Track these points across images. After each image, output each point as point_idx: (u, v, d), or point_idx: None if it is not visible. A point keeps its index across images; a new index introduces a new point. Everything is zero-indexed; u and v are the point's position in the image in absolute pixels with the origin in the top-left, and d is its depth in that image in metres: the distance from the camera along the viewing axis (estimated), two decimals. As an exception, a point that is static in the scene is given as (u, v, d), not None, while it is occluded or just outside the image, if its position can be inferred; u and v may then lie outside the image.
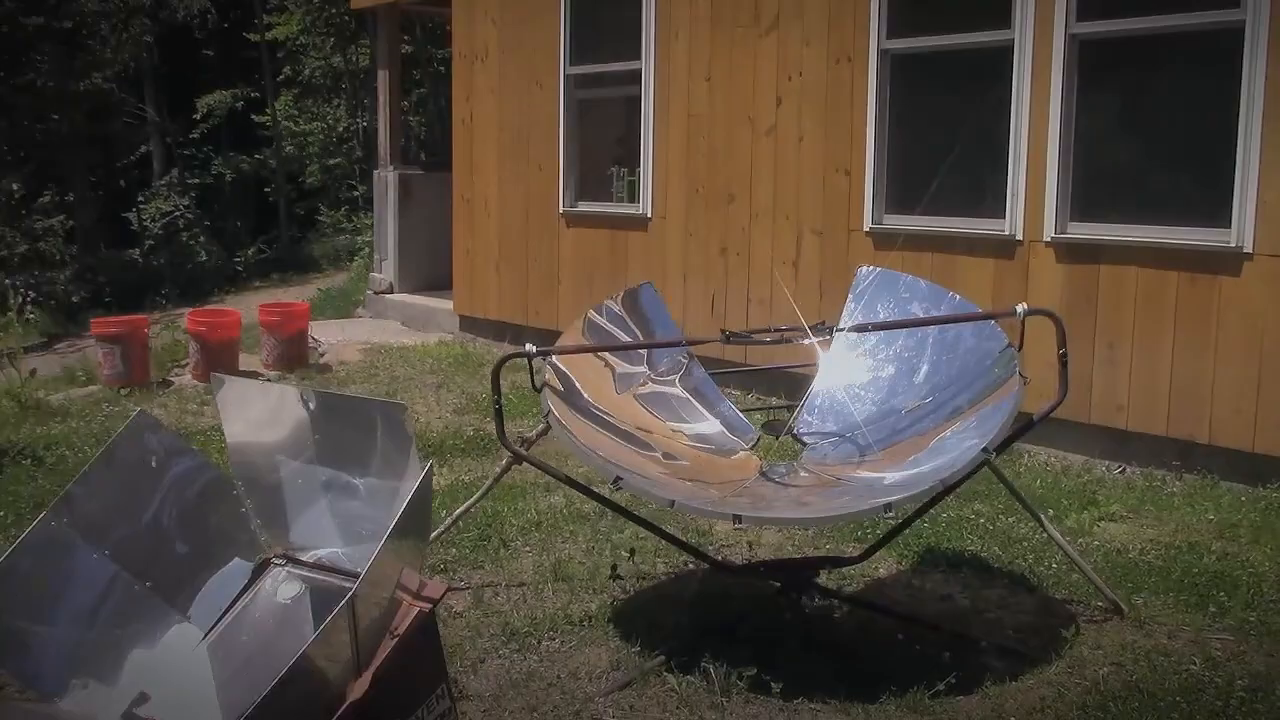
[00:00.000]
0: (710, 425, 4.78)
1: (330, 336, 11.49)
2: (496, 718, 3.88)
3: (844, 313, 5.07)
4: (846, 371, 4.90)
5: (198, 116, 24.13)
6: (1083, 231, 6.86)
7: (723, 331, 4.29)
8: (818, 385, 4.93)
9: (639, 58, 9.42)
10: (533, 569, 5.18)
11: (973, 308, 4.79)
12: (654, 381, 4.83)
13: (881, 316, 4.91)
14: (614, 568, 4.83)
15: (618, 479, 3.96)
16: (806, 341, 4.35)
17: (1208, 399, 6.40)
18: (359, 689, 3.05)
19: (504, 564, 5.27)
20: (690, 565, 5.06)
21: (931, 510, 5.65)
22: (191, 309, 13.28)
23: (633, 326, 4.92)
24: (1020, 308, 4.28)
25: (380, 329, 12.19)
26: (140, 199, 22.92)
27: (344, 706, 3.02)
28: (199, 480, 3.56)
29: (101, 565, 3.31)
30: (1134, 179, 6.93)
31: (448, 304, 11.96)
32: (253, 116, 24.25)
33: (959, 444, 4.09)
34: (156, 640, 3.36)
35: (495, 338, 11.28)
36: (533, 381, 4.46)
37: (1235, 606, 4.71)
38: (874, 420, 4.66)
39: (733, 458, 4.61)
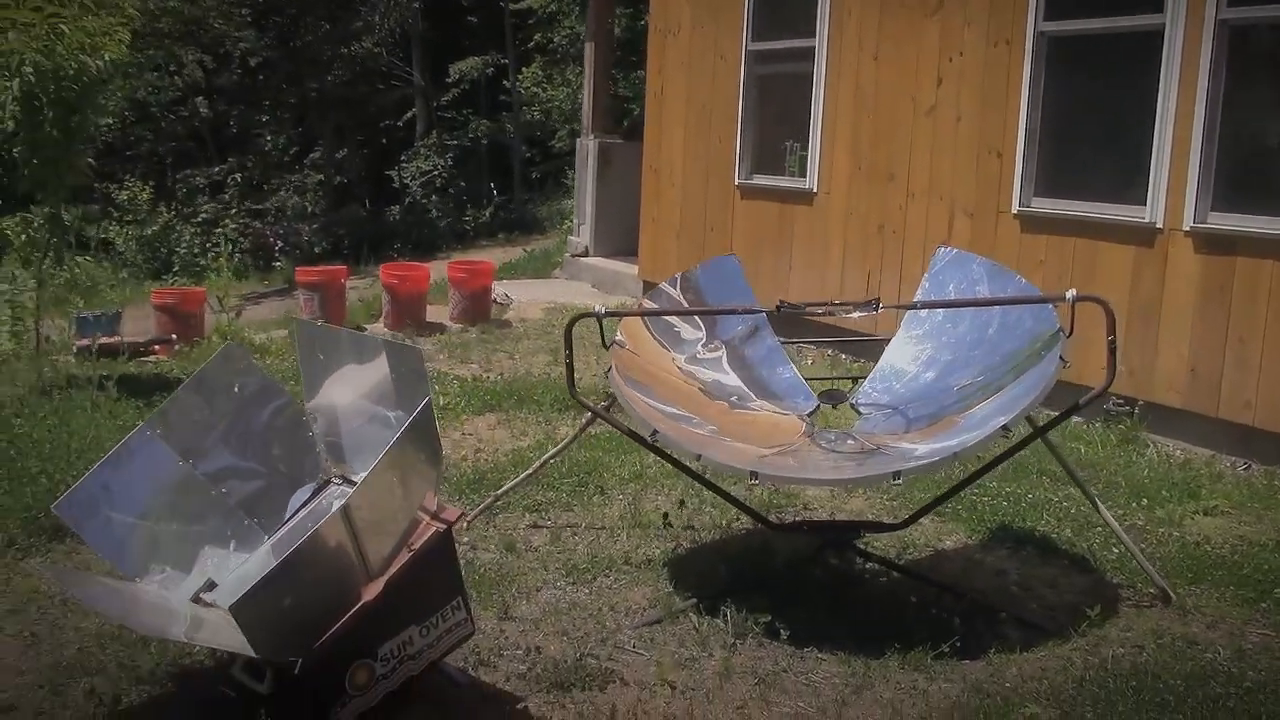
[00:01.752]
0: (773, 390, 5.06)
1: (521, 294, 12.18)
2: (530, 637, 4.31)
3: (919, 290, 5.25)
4: (912, 348, 5.08)
5: (449, 81, 25.40)
6: (1222, 222, 6.72)
7: (779, 304, 4.56)
8: (883, 360, 5.14)
9: (813, 35, 9.60)
10: (617, 515, 5.60)
11: (1035, 292, 4.88)
12: (724, 347, 5.15)
13: (951, 295, 5.08)
14: (665, 515, 5.20)
15: (655, 432, 4.32)
16: (856, 315, 4.57)
17: (1336, 399, 6.22)
18: (371, 592, 3.56)
19: (594, 509, 5.70)
20: (746, 522, 5.36)
21: (1016, 490, 5.82)
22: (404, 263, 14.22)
23: (708, 295, 5.24)
24: (1070, 293, 4.38)
25: (570, 290, 12.80)
26: (403, 158, 24.26)
27: (358, 604, 3.53)
28: (277, 409, 4.12)
29: (185, 472, 3.91)
30: (1277, 170, 6.74)
31: (634, 269, 12.45)
32: (504, 82, 25.35)
33: (984, 421, 4.26)
34: (228, 539, 3.94)
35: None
36: (603, 340, 4.86)
37: (1290, 605, 4.68)
38: (927, 395, 4.85)
39: (788, 422, 4.88)
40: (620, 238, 13.44)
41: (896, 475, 4.00)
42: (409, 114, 25.51)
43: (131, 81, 22.22)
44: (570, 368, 4.76)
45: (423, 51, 25.54)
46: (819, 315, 4.65)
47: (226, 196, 21.64)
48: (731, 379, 5.04)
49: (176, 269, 19.25)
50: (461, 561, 4.89)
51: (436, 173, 23.19)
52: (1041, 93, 7.74)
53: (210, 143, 23.90)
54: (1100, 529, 5.49)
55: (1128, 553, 5.08)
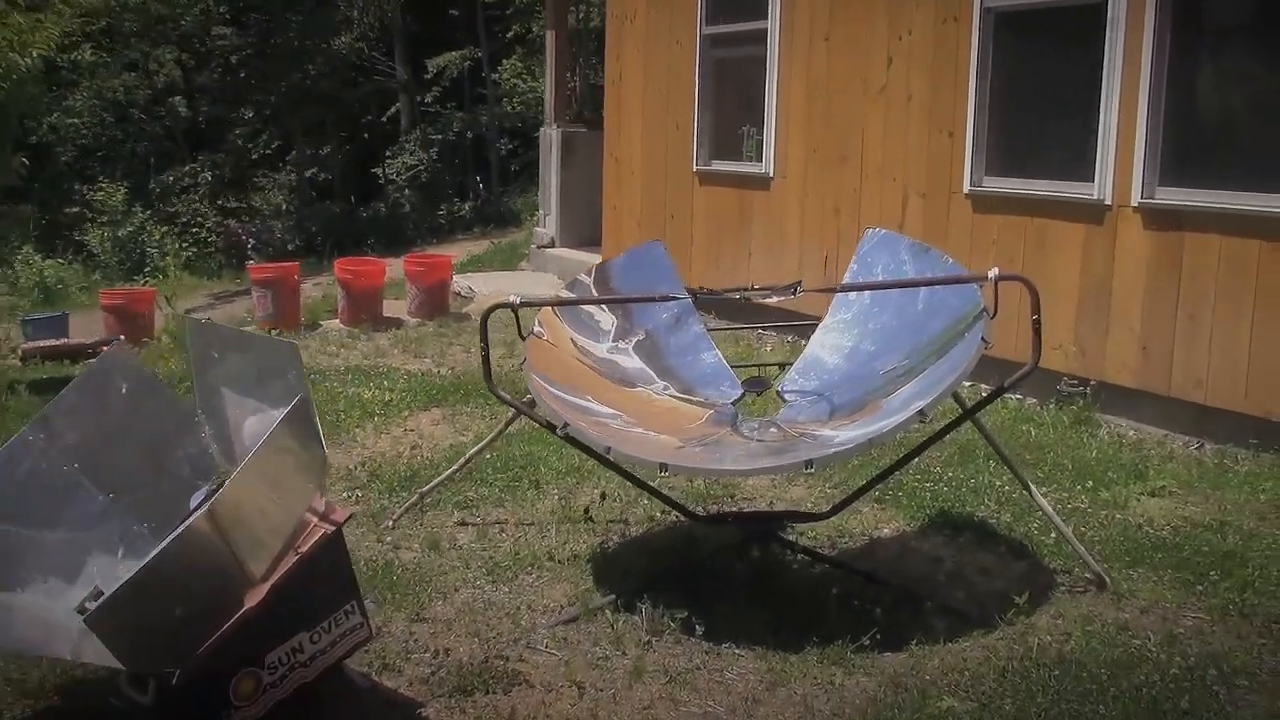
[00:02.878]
0: (698, 379, 4.94)
1: (484, 287, 12.04)
2: (441, 639, 4.19)
3: (846, 273, 5.12)
4: (839, 332, 4.96)
5: (428, 77, 25.15)
6: (1169, 197, 6.59)
7: (695, 289, 4.44)
8: (810, 345, 5.01)
9: (765, 17, 9.46)
10: (549, 510, 5.47)
11: (962, 272, 4.75)
12: (647, 335, 5.02)
13: (878, 277, 4.95)
14: (586, 510, 5.07)
15: (565, 425, 4.19)
16: (774, 300, 4.44)
17: (1285, 375, 6.10)
18: (254, 598, 3.43)
19: (526, 504, 5.57)
20: (677, 515, 5.24)
21: (959, 475, 5.70)
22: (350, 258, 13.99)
23: (631, 283, 5.11)
24: (992, 272, 4.25)
25: (535, 281, 12.67)
26: (388, 154, 23.98)
27: (240, 611, 3.41)
28: (167, 410, 3.99)
29: (71, 477, 3.77)
30: (1223, 143, 6.62)
31: (599, 259, 12.32)
32: (491, 75, 25.06)
33: (905, 405, 4.13)
34: (117, 546, 3.81)
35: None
36: (519, 331, 4.73)
37: (1227, 587, 4.56)
38: (852, 380, 4.72)
39: (710, 411, 4.76)
40: (586, 228, 13.30)
41: (809, 464, 3.88)
42: (392, 109, 25.33)
43: (98, 82, 22.19)
44: (487, 361, 4.62)
45: (405, 46, 25.34)
46: (737, 299, 4.52)
47: (196, 196, 21.44)
48: (653, 368, 4.92)
49: (148, 269, 19.09)
50: (381, 561, 4.79)
51: (421, 168, 23.00)
52: (990, 70, 7.60)
53: (182, 142, 23.69)
54: (1041, 514, 5.36)
55: (1065, 538, 4.97)
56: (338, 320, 10.30)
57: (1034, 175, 7.40)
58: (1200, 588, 4.58)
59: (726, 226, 10.12)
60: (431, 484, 5.41)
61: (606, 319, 4.97)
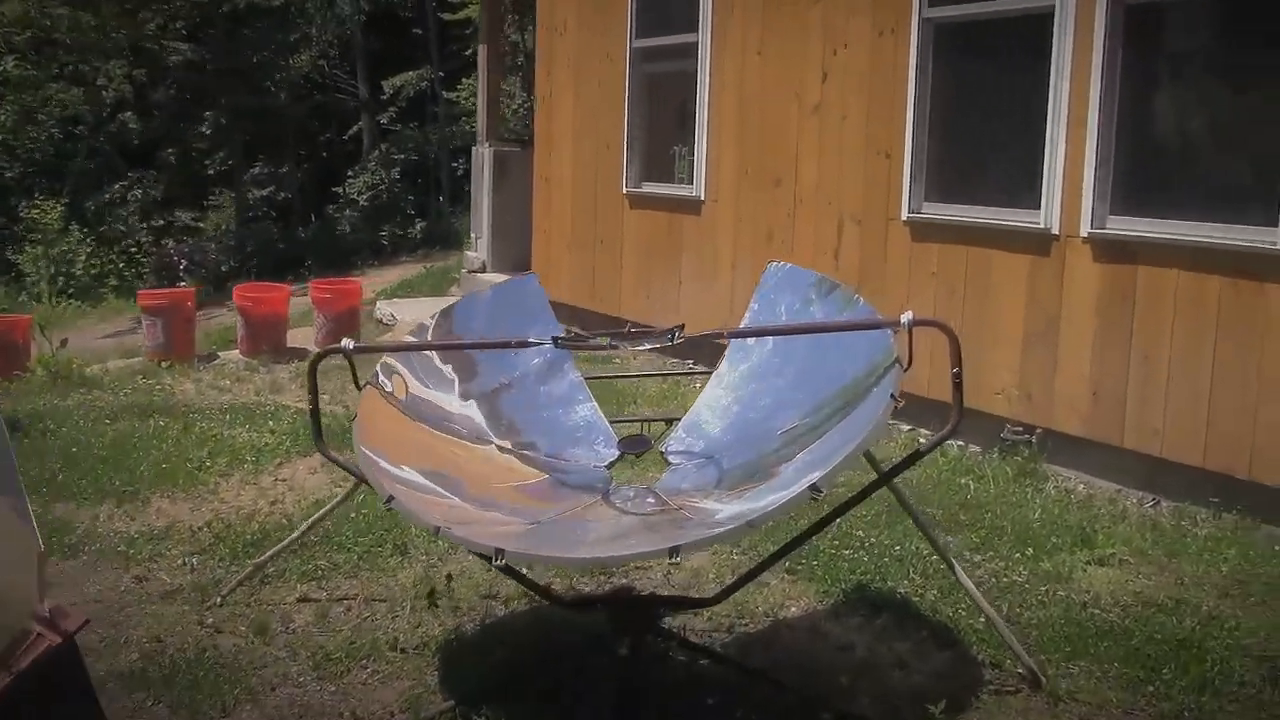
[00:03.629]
0: (569, 436, 4.23)
1: (408, 314, 11.31)
2: (235, 759, 3.46)
3: (746, 314, 4.44)
4: (734, 384, 4.27)
5: (384, 98, 24.35)
6: (1122, 227, 5.96)
7: (554, 338, 3.73)
8: (702, 397, 4.32)
9: (695, 29, 8.82)
10: (410, 583, 4.74)
11: (875, 314, 4.07)
12: (512, 386, 4.32)
13: (782, 317, 4.27)
14: (431, 593, 4.34)
15: (389, 498, 3.48)
16: (646, 348, 3.74)
17: (1250, 427, 5.44)
18: (-55, 732, 2.70)
19: (385, 574, 4.85)
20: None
21: (885, 540, 5.03)
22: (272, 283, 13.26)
23: (500, 323, 4.41)
24: (905, 317, 3.57)
25: (463, 309, 11.94)
26: (350, 173, 23.20)
27: (-74, 751, 2.67)
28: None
29: None
30: (1180, 168, 5.99)
31: (529, 285, 11.61)
32: (442, 94, 24.30)
33: (798, 476, 3.43)
34: None
35: (567, 321, 10.84)
36: (355, 380, 4.02)
37: (1184, 686, 3.88)
38: (746, 440, 4.03)
39: (579, 477, 4.05)
40: (519, 252, 12.55)
41: (674, 551, 3.16)
42: (355, 128, 24.57)
43: (24, 96, 21.34)
44: (316, 416, 3.90)
45: (366, 64, 24.61)
46: (605, 350, 3.82)
47: (127, 213, 20.59)
48: (516, 424, 4.21)
49: (71, 292, 18.26)
50: (194, 650, 4.08)
51: (383, 187, 22.24)
52: (930, 87, 6.96)
53: (122, 160, 22.80)
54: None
55: (995, 626, 4.28)
56: (237, 350, 9.54)
57: (977, 201, 6.76)
58: (1151, 687, 3.90)
59: (657, 253, 9.44)
60: (266, 554, 4.68)
61: (458, 367, 4.26)
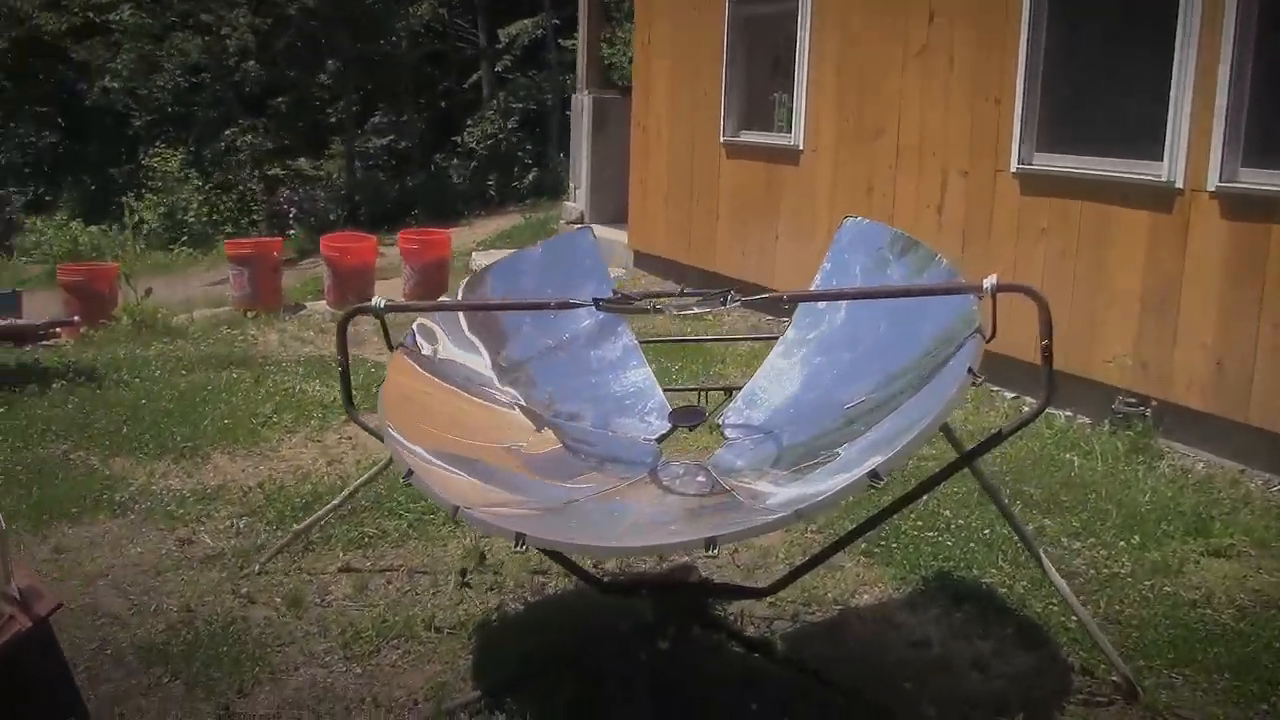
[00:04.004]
0: (619, 405, 3.89)
1: (502, 267, 11.06)
2: (239, 747, 3.23)
3: (818, 273, 4.03)
4: (801, 351, 3.88)
5: (499, 46, 24.10)
6: (1255, 180, 5.37)
7: (595, 300, 3.38)
8: (767, 364, 3.94)
9: (797, -31, 8.33)
10: (459, 555, 4.46)
11: (956, 276, 3.62)
12: (561, 349, 3.99)
13: (857, 279, 3.86)
14: (463, 573, 4.03)
15: (409, 473, 3.18)
16: (698, 311, 3.37)
17: (1394, 407, 4.87)
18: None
19: (433, 544, 4.58)
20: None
21: (972, 523, 4.63)
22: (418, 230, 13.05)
23: (548, 281, 4.08)
24: (988, 281, 3.14)
25: (558, 261, 11.64)
26: (469, 122, 23.09)
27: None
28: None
29: None
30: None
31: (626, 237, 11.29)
32: (558, 41, 23.93)
33: (860, 458, 3.04)
34: None
35: (663, 275, 10.53)
36: (387, 341, 3.73)
37: (1305, 704, 3.42)
38: (810, 415, 3.64)
39: (625, 450, 3.71)
40: (618, 204, 12.21)
41: (710, 544, 2.81)
42: (474, 76, 24.37)
43: (142, 44, 21.57)
44: (346, 378, 3.63)
45: (485, 12, 24.33)
46: (649, 311, 3.44)
47: (239, 161, 20.70)
48: (561, 391, 3.88)
49: (184, 239, 18.48)
50: (222, 622, 3.86)
51: (501, 135, 22.05)
52: (1044, 27, 6.40)
53: (243, 109, 22.94)
54: (1069, 581, 4.23)
55: (1099, 620, 3.84)
56: (324, 302, 9.40)
57: (1093, 152, 6.20)
58: (1266, 705, 3.44)
59: (753, 206, 9.01)
60: (307, 521, 4.44)
61: (500, 328, 3.94)
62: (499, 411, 3.70)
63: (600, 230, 12.10)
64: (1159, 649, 3.76)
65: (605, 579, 3.82)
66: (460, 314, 3.92)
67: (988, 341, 3.21)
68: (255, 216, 20.12)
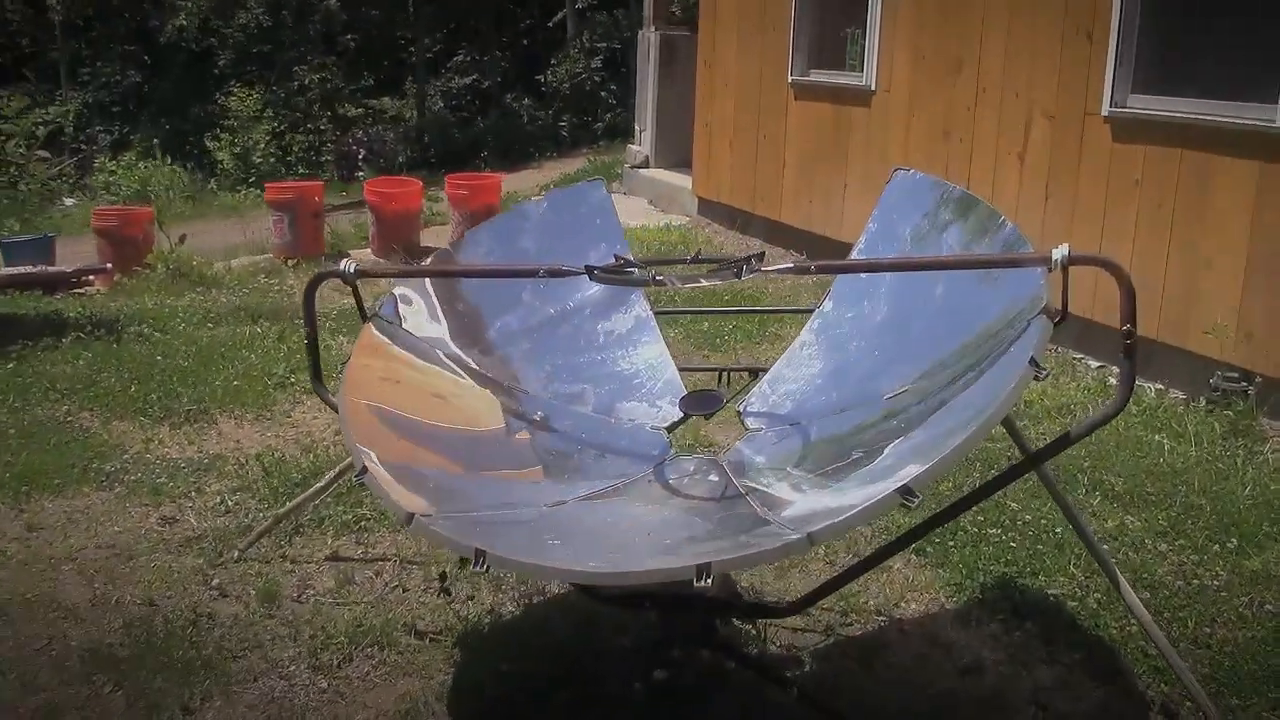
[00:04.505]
0: (625, 386, 3.38)
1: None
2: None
3: (862, 235, 3.47)
4: (838, 329, 3.33)
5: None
6: (1387, 127, 4.67)
7: (588, 268, 2.86)
8: (797, 344, 3.40)
9: (872, -110, 7.64)
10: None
11: (1023, 242, 3.03)
12: (563, 320, 3.48)
13: (905, 241, 3.29)
14: (442, 577, 3.55)
15: (362, 470, 2.71)
16: (708, 284, 2.83)
17: None
18: None
19: (434, 530, 4.13)
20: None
21: (1042, 518, 4.07)
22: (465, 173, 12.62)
23: (555, 238, 3.57)
24: (1058, 252, 2.57)
25: (623, 207, 11.00)
26: (553, 61, 22.57)
27: None
28: None
29: None
30: None
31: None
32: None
33: (899, 464, 2.51)
34: None
35: (727, 224, 9.96)
36: (361, 310, 3.26)
37: None
38: (844, 405, 3.10)
39: (628, 442, 3.21)
40: (686, 146, 11.63)
41: (703, 572, 2.30)
42: (559, 15, 23.75)
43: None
44: (314, 348, 3.17)
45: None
46: (649, 284, 2.90)
47: (310, 98, 20.35)
48: (561, 370, 3.38)
49: (252, 180, 18.21)
50: (182, 619, 3.47)
51: (583, 75, 21.47)
52: (1145, -51, 5.69)
53: (319, 46, 22.57)
54: (1150, 595, 3.67)
55: (1168, 659, 3.27)
56: (369, 250, 8.99)
57: (1196, 94, 5.50)
58: (1385, 764, 2.86)
59: (822, 151, 8.39)
60: (289, 505, 4.01)
61: (492, 296, 3.44)
62: (483, 395, 3.21)
63: (665, 175, 11.58)
64: (1255, 684, 3.19)
65: (601, 591, 3.32)
66: (449, 281, 3.43)
67: (1058, 323, 2.65)
68: (325, 157, 19.83)
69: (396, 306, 3.34)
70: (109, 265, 7.94)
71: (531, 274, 3.00)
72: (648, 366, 3.41)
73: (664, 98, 11.68)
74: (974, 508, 4.06)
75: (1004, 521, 4.14)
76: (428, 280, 3.42)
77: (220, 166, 19.44)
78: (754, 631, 3.38)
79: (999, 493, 4.15)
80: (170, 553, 4.01)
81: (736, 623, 3.33)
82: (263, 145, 18.53)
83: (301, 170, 19.02)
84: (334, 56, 21.41)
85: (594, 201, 3.70)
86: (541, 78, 21.67)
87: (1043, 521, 4.13)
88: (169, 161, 18.46)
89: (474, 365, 3.29)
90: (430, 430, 3.00)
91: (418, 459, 2.87)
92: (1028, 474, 4.03)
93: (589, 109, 20.86)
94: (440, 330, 3.30)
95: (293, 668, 3.29)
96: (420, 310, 3.35)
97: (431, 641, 3.41)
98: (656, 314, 3.54)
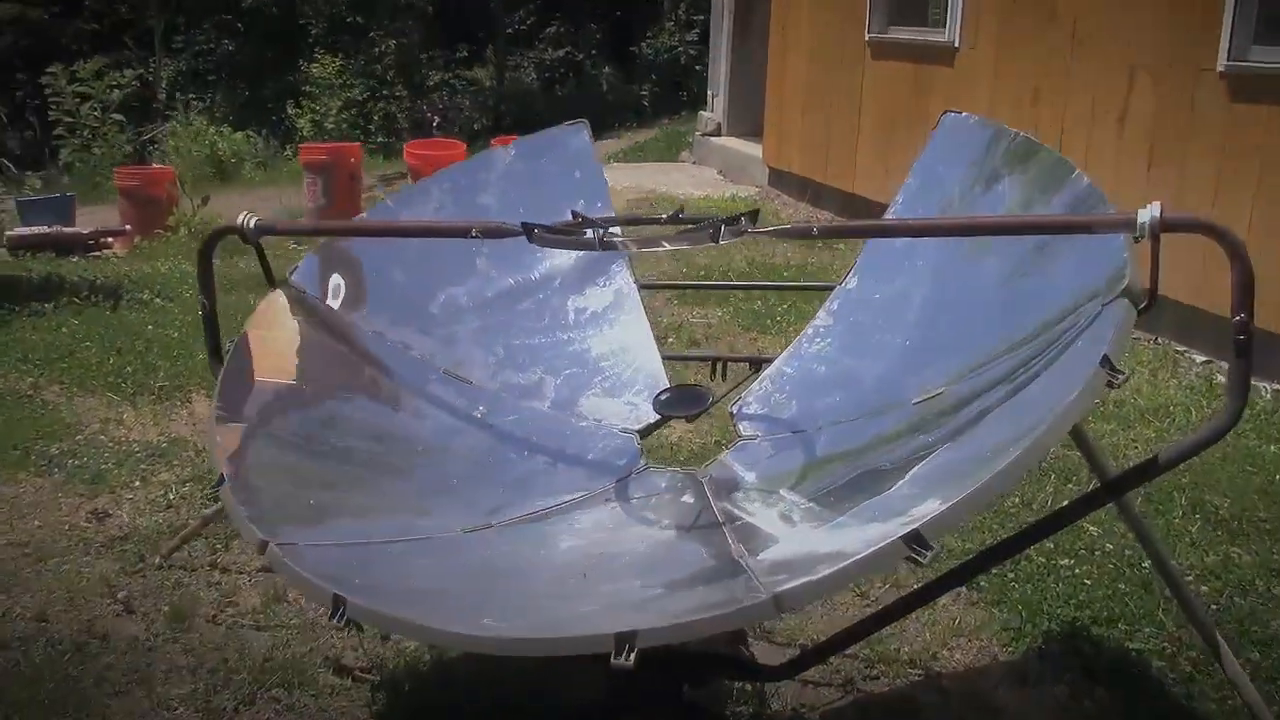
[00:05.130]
0: (595, 378, 2.71)
1: (624, 181, 9.92)
2: None
3: (900, 192, 2.75)
4: (862, 311, 2.62)
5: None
6: None
7: (525, 225, 2.19)
8: (811, 328, 2.70)
9: None
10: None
11: (1103, 201, 2.28)
12: (525, 295, 2.82)
13: (953, 199, 2.57)
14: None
15: (220, 481, 2.10)
16: (690, 246, 2.15)
17: None
18: None
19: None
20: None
21: (1123, 545, 3.34)
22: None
23: (529, 191, 2.91)
24: (1146, 212, 1.86)
25: (689, 177, 10.45)
26: (649, 34, 21.96)
27: None
28: None
29: None
30: None
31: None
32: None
33: (912, 499, 1.82)
34: None
35: (798, 195, 9.22)
36: (268, 275, 2.66)
37: None
38: (859, 411, 2.41)
39: (589, 448, 2.55)
40: (759, 111, 10.88)
41: (624, 645, 1.63)
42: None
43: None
44: (212, 320, 2.59)
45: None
46: (595, 247, 2.21)
47: (386, 64, 19.93)
48: (517, 354, 2.73)
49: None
50: (77, 641, 2.90)
51: (679, 49, 20.85)
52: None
53: (407, 14, 22.18)
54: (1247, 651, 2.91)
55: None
56: (409, 216, 8.41)
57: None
58: None
59: (899, 115, 7.62)
60: (215, 507, 3.41)
61: (436, 261, 2.79)
62: (409, 385, 2.57)
63: (736, 144, 10.84)
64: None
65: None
66: (386, 243, 2.79)
67: (1143, 310, 1.94)
68: (402, 125, 19.42)
69: (311, 273, 2.72)
70: (128, 227, 7.46)
71: (463, 233, 2.34)
72: (624, 352, 2.74)
73: (738, 61, 10.95)
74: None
75: (1078, 550, 3.40)
76: (356, 240, 2.79)
77: (300, 134, 19.15)
78: (747, 687, 2.70)
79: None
80: (89, 554, 3.45)
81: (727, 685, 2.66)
82: (334, 112, 18.11)
83: (381, 139, 18.65)
84: (412, 22, 20.95)
85: (573, 150, 3.04)
86: (635, 49, 21.08)
87: (1127, 552, 3.38)
88: (235, 130, 18.20)
89: (405, 346, 2.65)
90: (326, 431, 2.37)
91: (300, 468, 2.24)
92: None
93: (684, 84, 20.24)
94: (359, 302, 2.67)
95: (180, 710, 2.70)
96: (346, 277, 2.72)
97: (355, 681, 2.79)
98: (642, 287, 2.85)
